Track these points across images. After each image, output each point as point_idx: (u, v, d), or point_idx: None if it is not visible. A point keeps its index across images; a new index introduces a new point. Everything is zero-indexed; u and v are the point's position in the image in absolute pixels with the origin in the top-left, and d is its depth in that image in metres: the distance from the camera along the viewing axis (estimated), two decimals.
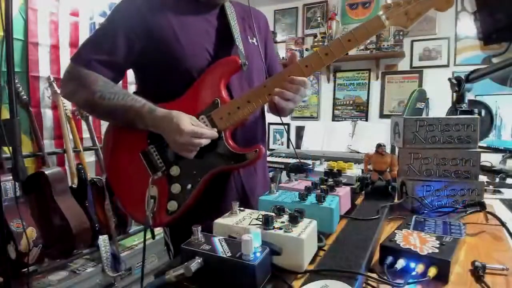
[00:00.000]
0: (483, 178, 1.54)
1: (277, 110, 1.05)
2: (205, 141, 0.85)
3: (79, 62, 0.89)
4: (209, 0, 0.96)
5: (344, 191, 0.82)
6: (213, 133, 0.87)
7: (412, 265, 0.56)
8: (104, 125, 1.02)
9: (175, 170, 0.90)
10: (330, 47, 0.85)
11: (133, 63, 0.93)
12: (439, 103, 2.83)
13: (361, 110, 3.29)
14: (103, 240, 2.00)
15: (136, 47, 0.89)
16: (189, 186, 0.89)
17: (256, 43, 1.03)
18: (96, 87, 0.87)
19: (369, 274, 0.56)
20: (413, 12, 0.81)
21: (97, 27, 2.40)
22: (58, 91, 2.05)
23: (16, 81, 1.84)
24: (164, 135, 0.87)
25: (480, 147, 1.04)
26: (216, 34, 0.95)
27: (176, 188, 0.90)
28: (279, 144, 3.70)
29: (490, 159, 1.92)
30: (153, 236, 0.96)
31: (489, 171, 1.79)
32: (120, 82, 0.97)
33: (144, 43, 0.89)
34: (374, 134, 2.91)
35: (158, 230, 1.03)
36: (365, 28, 0.84)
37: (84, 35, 2.32)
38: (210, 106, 0.89)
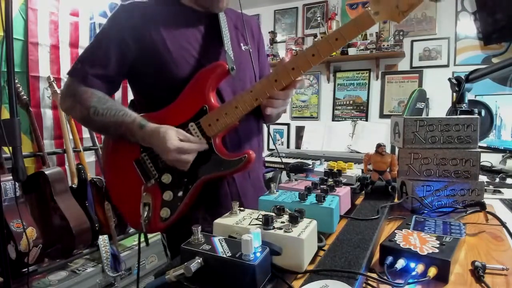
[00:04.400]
0: (483, 178, 1.54)
1: (263, 118, 1.05)
2: (193, 156, 0.84)
3: (76, 77, 0.90)
4: (203, 9, 0.95)
5: (344, 191, 0.82)
6: (202, 145, 0.86)
7: (412, 265, 0.56)
8: None
9: (166, 178, 0.90)
10: (317, 47, 0.81)
11: (126, 74, 0.94)
12: (439, 103, 2.84)
13: (361, 110, 3.29)
14: (103, 240, 2.00)
15: (128, 58, 0.90)
16: (180, 193, 0.90)
17: (250, 50, 1.02)
18: (90, 103, 0.88)
19: (369, 274, 0.56)
20: (405, 4, 0.74)
21: (97, 27, 2.41)
22: (58, 91, 2.05)
23: (16, 81, 1.85)
24: (155, 150, 0.87)
25: (480, 147, 1.04)
26: (206, 42, 0.95)
27: (168, 195, 0.90)
28: (279, 144, 3.70)
29: (490, 159, 1.92)
30: (147, 243, 0.96)
31: (489, 171, 1.79)
32: (120, 89, 0.97)
33: (136, 54, 0.89)
34: (374, 134, 2.92)
35: (157, 234, 1.03)
36: (354, 25, 0.78)
37: (84, 35, 2.32)
38: (198, 113, 0.88)
